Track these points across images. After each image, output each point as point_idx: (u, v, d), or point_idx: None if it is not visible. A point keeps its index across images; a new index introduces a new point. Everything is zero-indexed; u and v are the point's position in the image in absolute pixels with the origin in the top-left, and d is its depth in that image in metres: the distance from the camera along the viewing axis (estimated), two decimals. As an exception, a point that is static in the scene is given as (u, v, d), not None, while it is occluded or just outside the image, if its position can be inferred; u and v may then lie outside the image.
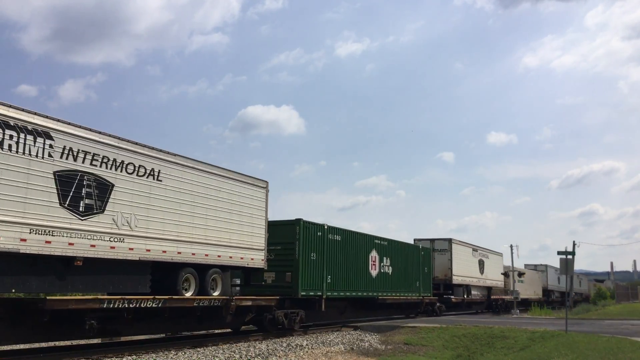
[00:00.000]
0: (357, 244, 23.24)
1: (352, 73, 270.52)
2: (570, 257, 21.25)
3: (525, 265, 56.27)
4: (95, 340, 15.05)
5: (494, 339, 18.42)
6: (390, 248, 26.15)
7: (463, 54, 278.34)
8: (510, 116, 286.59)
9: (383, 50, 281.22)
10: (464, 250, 36.49)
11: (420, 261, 29.34)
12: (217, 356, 13.39)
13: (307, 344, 16.55)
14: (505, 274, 43.90)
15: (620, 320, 29.99)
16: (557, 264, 68.14)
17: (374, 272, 24.33)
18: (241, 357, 13.69)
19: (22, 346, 13.70)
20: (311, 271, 20.04)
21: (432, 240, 34.10)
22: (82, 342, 14.54)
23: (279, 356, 14.44)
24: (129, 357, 12.38)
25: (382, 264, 25.12)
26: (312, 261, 20.12)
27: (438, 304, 31.89)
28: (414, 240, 33.31)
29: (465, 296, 36.30)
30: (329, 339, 18.07)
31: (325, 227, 21.10)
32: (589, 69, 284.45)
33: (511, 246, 44.36)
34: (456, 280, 34.43)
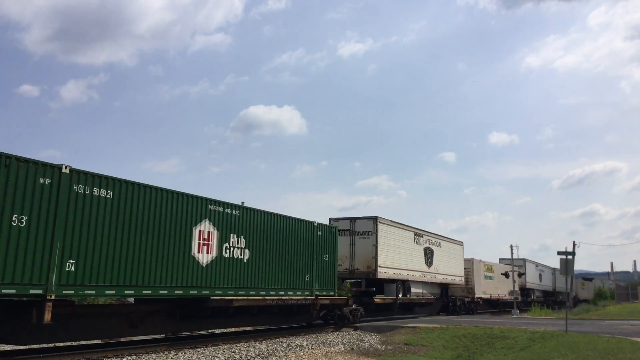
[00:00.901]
0: (161, 209, 13.89)
1: (354, 73, 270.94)
2: (570, 257, 21.26)
3: (500, 259, 48.79)
4: (95, 341, 15.03)
5: (494, 339, 18.43)
6: (245, 221, 16.98)
7: (465, 54, 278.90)
8: (512, 116, 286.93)
9: (385, 51, 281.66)
10: (398, 234, 27.30)
11: (315, 245, 20.40)
12: (217, 356, 13.39)
13: (307, 344, 16.55)
14: (506, 274, 43.74)
15: (620, 320, 29.99)
16: (535, 259, 65.41)
17: (205, 257, 15.20)
18: (241, 358, 13.69)
19: (22, 347, 13.69)
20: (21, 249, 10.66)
21: (353, 220, 25.37)
22: (82, 342, 14.53)
23: (279, 356, 14.44)
24: (129, 358, 12.37)
25: (226, 244, 16.05)
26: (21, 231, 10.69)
27: (353, 307, 23.01)
28: (330, 220, 25.23)
29: (400, 295, 27.36)
30: (329, 339, 18.07)
31: (65, 170, 11.56)
32: (591, 69, 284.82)
33: (511, 246, 44.27)
34: (384, 273, 25.26)
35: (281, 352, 14.92)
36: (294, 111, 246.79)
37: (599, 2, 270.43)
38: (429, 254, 31.22)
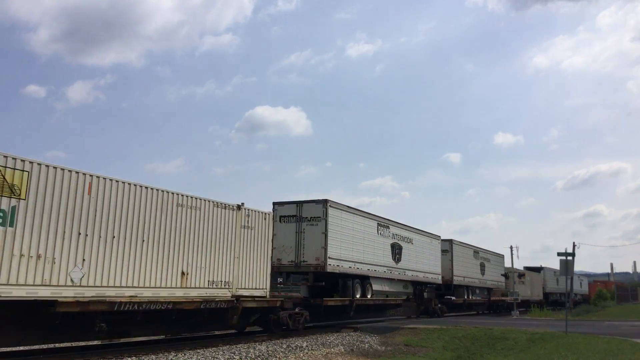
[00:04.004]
0: None
1: (362, 74, 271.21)
2: (570, 258, 21.27)
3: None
4: (94, 342, 15.04)
5: (494, 340, 18.44)
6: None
7: (474, 56, 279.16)
8: (518, 117, 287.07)
9: (394, 52, 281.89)
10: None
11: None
12: (217, 357, 13.39)
13: (307, 345, 16.56)
14: (506, 275, 43.84)
15: (621, 321, 29.98)
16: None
17: None
18: (241, 358, 13.70)
19: (22, 347, 13.71)
20: None
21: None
22: (82, 343, 14.54)
23: (279, 357, 14.44)
24: (129, 359, 12.38)
25: None
26: None
27: (297, 310, 19.56)
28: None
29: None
30: (329, 340, 18.07)
31: None
32: (598, 69, 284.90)
33: (511, 247, 44.38)
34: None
35: (281, 353, 14.92)
36: (300, 112, 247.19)
37: (610, 2, 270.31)
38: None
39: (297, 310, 19.43)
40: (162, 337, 16.46)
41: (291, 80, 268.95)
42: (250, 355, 14.11)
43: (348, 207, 23.04)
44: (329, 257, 20.94)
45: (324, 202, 21.35)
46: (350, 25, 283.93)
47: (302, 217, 21.48)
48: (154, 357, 12.72)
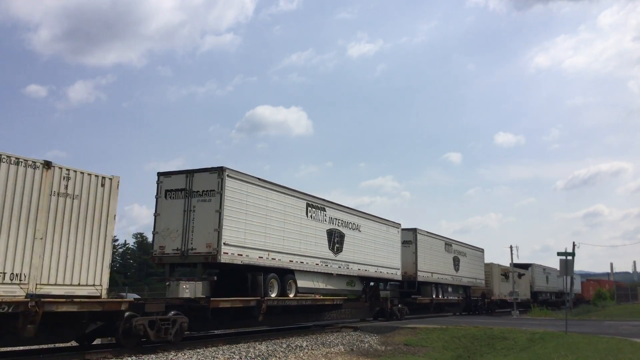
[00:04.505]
0: None
1: (363, 74, 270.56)
2: (570, 258, 21.28)
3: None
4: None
5: (494, 339, 18.44)
6: None
7: (475, 55, 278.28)
8: (518, 117, 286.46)
9: (395, 51, 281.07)
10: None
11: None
12: (216, 357, 13.39)
13: (306, 345, 16.57)
14: (505, 275, 43.76)
15: (620, 321, 30.00)
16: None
17: None
18: (241, 358, 13.70)
19: (22, 347, 13.71)
20: None
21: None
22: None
23: (279, 357, 14.45)
24: (129, 358, 12.38)
25: None
26: None
27: (172, 314, 14.31)
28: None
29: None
30: (329, 340, 18.08)
31: None
32: (599, 69, 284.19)
33: (511, 247, 44.38)
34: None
35: (281, 353, 14.93)
36: (301, 112, 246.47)
37: (611, 2, 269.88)
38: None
39: (170, 315, 14.24)
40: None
41: (292, 80, 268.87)
42: (250, 355, 14.12)
43: (259, 179, 17.91)
44: (224, 244, 15.82)
45: (220, 171, 16.28)
46: (351, 25, 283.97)
47: (192, 192, 16.46)
48: (154, 356, 12.72)
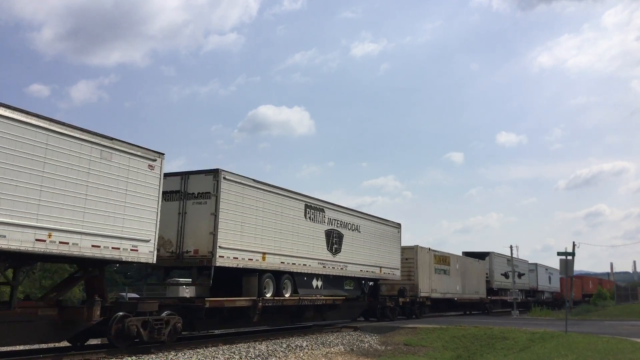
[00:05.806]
0: None
1: (366, 74, 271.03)
2: (570, 257, 21.30)
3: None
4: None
5: (494, 339, 18.44)
6: None
7: (478, 55, 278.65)
8: (521, 116, 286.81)
9: (399, 51, 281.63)
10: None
11: None
12: (217, 357, 13.39)
13: (307, 345, 16.57)
14: (505, 275, 43.64)
15: (620, 321, 30.01)
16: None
17: None
18: (241, 358, 13.70)
19: (22, 347, 13.71)
20: None
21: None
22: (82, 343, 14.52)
23: (279, 357, 14.45)
24: (129, 358, 12.38)
25: None
26: None
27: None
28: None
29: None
30: (329, 340, 18.07)
31: None
32: (602, 68, 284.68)
33: (511, 247, 44.22)
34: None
35: (281, 353, 14.93)
36: (304, 112, 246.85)
37: (616, 1, 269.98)
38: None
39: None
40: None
41: (295, 80, 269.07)
42: (250, 355, 14.11)
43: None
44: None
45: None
46: (355, 25, 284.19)
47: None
48: (154, 356, 12.72)
